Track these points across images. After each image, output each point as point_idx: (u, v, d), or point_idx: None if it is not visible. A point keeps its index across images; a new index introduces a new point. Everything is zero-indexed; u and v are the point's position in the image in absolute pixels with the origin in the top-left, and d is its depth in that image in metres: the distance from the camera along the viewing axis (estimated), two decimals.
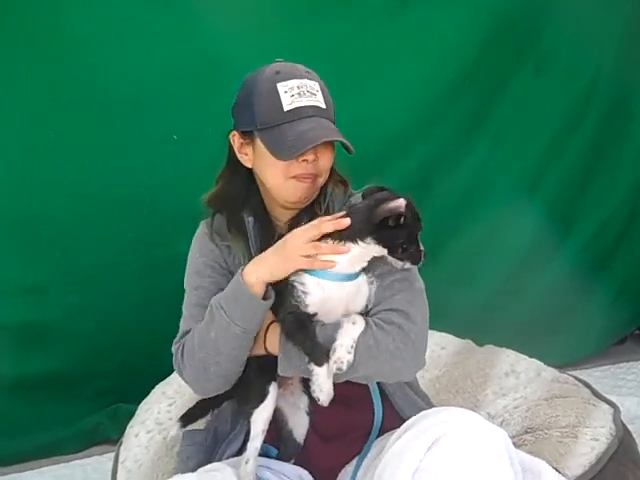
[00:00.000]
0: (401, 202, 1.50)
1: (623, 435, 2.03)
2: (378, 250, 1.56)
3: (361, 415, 1.74)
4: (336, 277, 1.57)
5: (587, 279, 3.33)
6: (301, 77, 1.62)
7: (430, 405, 1.84)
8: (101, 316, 2.81)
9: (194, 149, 2.66)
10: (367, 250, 1.56)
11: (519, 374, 2.33)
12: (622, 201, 3.35)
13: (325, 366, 1.54)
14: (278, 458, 1.76)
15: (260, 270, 1.58)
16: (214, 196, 1.78)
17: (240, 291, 1.57)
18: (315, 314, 1.58)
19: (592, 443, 1.95)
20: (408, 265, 1.58)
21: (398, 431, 1.50)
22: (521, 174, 3.18)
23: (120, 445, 2.24)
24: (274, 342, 1.62)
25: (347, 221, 1.53)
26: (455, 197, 3.15)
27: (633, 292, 3.48)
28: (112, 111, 2.64)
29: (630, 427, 2.45)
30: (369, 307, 1.63)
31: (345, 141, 1.60)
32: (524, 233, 3.22)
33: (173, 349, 1.71)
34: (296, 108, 1.59)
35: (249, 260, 1.67)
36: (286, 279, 1.59)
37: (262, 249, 1.68)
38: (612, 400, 2.23)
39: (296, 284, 1.58)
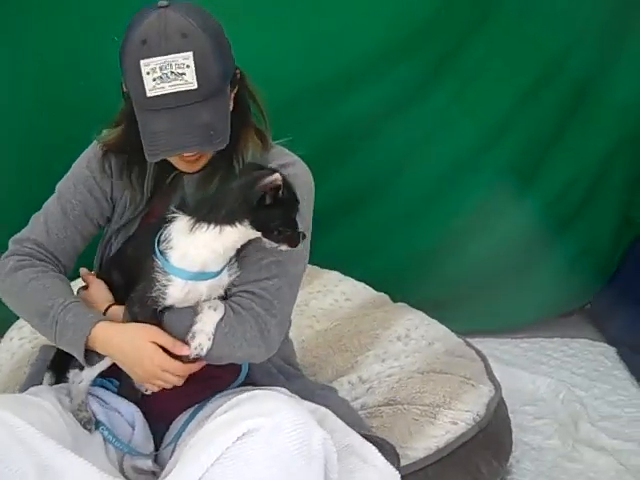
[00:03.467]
0: (277, 176, 1.44)
1: (489, 422, 1.98)
2: (252, 233, 1.49)
3: (214, 367, 1.66)
4: (204, 276, 1.52)
5: (547, 240, 3.20)
6: (167, 52, 1.42)
7: (290, 368, 1.82)
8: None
9: None
10: (243, 234, 1.49)
11: (410, 340, 2.25)
12: (591, 162, 3.16)
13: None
14: (119, 392, 1.74)
15: (105, 351, 1.55)
16: (114, 141, 1.66)
17: (76, 346, 1.53)
18: (171, 306, 1.55)
19: (448, 426, 1.91)
20: (285, 247, 1.51)
21: (220, 408, 1.48)
22: (488, 121, 3.01)
23: None
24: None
25: (186, 350, 1.51)
26: (417, 135, 3.01)
27: (593, 258, 3.33)
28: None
29: (529, 408, 2.42)
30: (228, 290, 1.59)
31: (200, 149, 1.51)
32: (482, 181, 3.08)
33: (9, 244, 1.65)
34: (157, 96, 1.43)
35: (138, 204, 1.64)
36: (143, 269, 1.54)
37: (156, 193, 1.65)
38: (500, 380, 2.20)
39: (160, 277, 1.51)
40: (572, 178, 3.16)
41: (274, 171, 1.47)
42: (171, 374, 1.52)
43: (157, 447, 1.71)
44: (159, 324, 1.54)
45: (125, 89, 1.53)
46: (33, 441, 1.39)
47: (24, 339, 2.21)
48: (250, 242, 1.54)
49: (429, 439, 1.86)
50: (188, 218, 1.51)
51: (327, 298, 2.51)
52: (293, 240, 1.51)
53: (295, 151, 1.70)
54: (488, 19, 2.88)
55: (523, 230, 3.14)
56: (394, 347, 2.22)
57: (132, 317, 1.56)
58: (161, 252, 1.52)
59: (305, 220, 1.61)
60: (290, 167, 1.61)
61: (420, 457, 1.81)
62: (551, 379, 2.67)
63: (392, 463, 1.61)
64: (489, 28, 2.89)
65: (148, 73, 1.42)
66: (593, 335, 3.18)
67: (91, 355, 1.56)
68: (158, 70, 1.42)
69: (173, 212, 1.53)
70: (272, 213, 1.47)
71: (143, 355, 1.51)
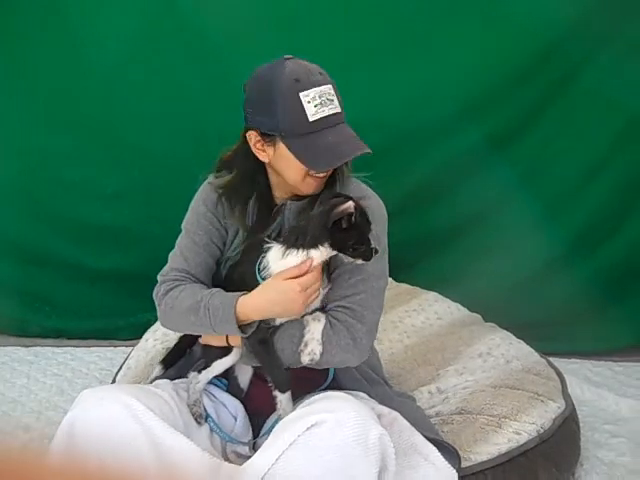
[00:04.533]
0: (350, 204, 1.70)
1: (553, 435, 2.14)
2: (332, 252, 1.76)
3: (307, 372, 1.92)
4: None
5: None
6: (319, 84, 1.74)
7: (374, 375, 2.06)
8: (166, 226, 3.20)
9: None
10: (325, 253, 1.76)
11: (490, 357, 2.45)
12: None
13: (288, 392, 1.82)
14: (227, 389, 2.06)
15: (260, 314, 1.80)
16: (229, 184, 1.94)
17: (229, 321, 1.78)
18: (281, 325, 1.83)
19: (511, 436, 2.08)
20: (360, 262, 1.78)
21: (300, 405, 1.79)
22: (584, 158, 3.21)
23: (136, 345, 2.65)
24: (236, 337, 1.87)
25: (308, 263, 1.75)
26: (521, 168, 3.26)
27: None
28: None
29: (608, 427, 2.55)
30: (325, 304, 1.87)
31: (369, 151, 1.77)
32: (580, 214, 3.26)
33: (158, 279, 1.96)
34: (320, 118, 1.73)
35: (243, 235, 1.93)
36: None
37: (258, 223, 1.93)
38: (586, 399, 2.41)
39: None
40: None
41: (348, 199, 1.73)
42: (311, 287, 1.77)
43: (255, 437, 2.00)
44: (271, 351, 1.82)
45: (253, 127, 1.81)
46: (150, 422, 1.71)
47: (157, 340, 2.58)
48: (339, 262, 1.82)
49: (492, 446, 2.04)
50: (280, 246, 1.78)
51: (420, 316, 2.75)
52: (367, 255, 1.76)
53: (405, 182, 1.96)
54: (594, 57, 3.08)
55: (621, 258, 3.28)
56: (474, 363, 2.42)
57: (248, 339, 1.83)
58: (263, 278, 1.80)
59: (381, 243, 1.87)
60: (366, 199, 1.88)
61: (482, 460, 2.00)
62: (636, 401, 2.76)
63: (453, 464, 1.85)
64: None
65: (309, 102, 1.73)
66: None
67: (245, 327, 1.80)
68: (317, 98, 1.74)
69: (267, 242, 1.81)
70: (348, 235, 1.73)
71: (287, 291, 1.75)
